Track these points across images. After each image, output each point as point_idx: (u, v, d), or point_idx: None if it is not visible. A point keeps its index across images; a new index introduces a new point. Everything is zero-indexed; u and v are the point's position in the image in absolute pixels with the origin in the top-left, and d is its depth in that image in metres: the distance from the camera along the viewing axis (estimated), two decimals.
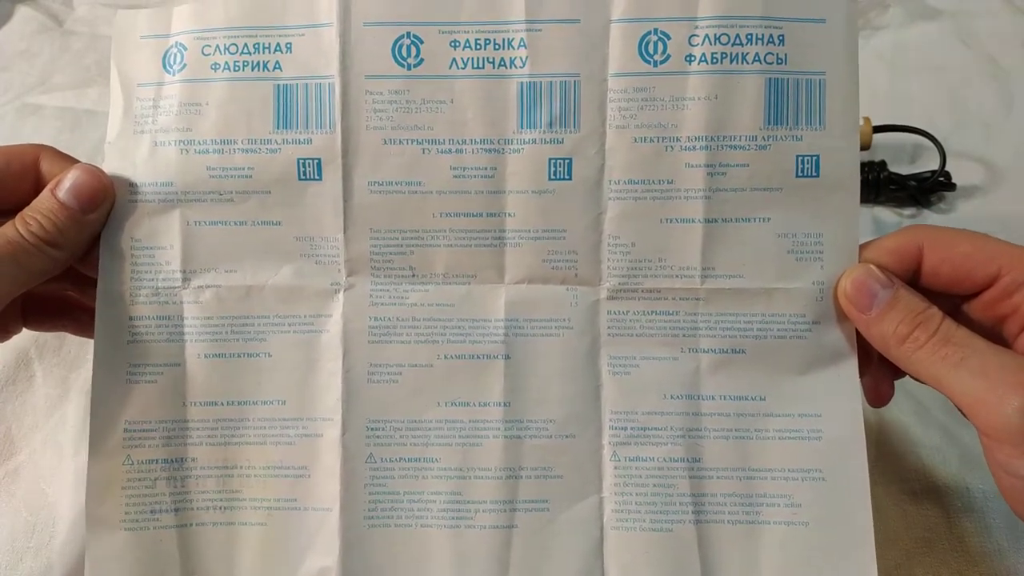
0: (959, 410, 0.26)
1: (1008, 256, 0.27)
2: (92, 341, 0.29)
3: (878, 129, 0.47)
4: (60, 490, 0.36)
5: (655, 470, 0.29)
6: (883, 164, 0.47)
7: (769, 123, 0.29)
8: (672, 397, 0.30)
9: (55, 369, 0.40)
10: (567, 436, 0.30)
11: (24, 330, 0.34)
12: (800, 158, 0.29)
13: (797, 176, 0.29)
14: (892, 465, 0.38)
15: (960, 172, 0.47)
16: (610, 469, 0.30)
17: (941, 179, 0.46)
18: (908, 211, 0.48)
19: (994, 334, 0.28)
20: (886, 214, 0.48)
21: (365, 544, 0.29)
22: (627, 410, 0.30)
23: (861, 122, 0.46)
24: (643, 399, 0.30)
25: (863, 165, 0.47)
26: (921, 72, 0.53)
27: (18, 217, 0.29)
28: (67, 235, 0.29)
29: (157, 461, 0.30)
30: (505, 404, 0.30)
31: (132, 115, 0.31)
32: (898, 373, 0.31)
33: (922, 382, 0.27)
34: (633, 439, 0.30)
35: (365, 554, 0.29)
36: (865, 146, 0.46)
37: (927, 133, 0.47)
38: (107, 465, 0.30)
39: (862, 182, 0.46)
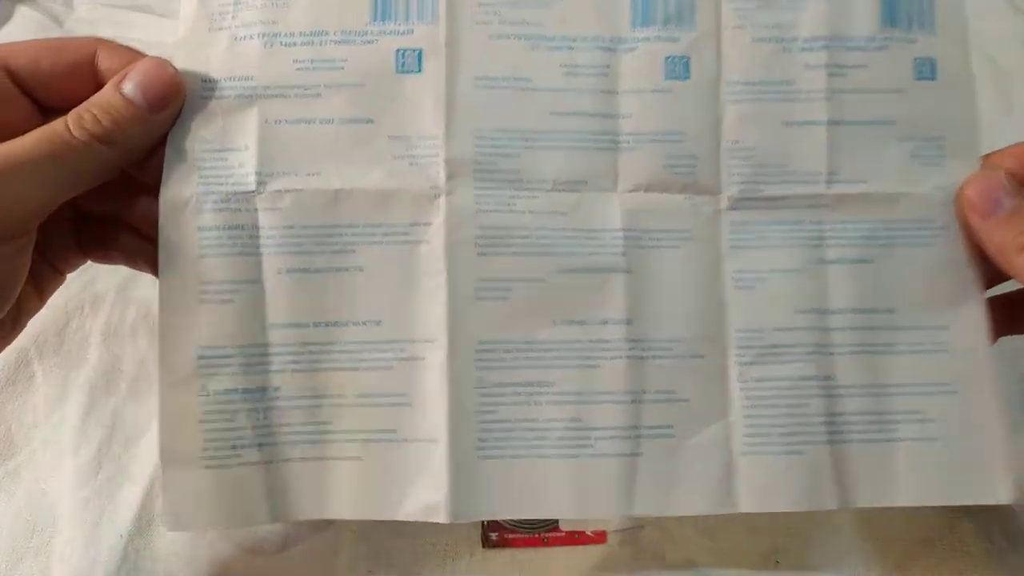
0: None
1: None
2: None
3: None
4: (60, 490, 0.34)
5: (786, 390, 0.27)
6: None
7: (885, 24, 0.28)
8: (801, 312, 0.28)
9: (55, 369, 0.37)
10: (693, 356, 0.27)
11: (63, 284, 0.30)
12: (918, 60, 0.28)
13: (916, 79, 0.28)
14: None
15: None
16: (737, 391, 0.27)
17: None
18: None
19: None
20: None
21: (476, 477, 0.26)
22: (755, 327, 0.28)
23: None
24: (771, 315, 0.28)
25: None
26: None
27: (72, 112, 0.25)
28: (126, 134, 0.25)
29: (237, 391, 0.26)
30: (627, 322, 0.27)
31: (207, 14, 0.27)
32: (1002, 330, 0.30)
33: None
34: (761, 358, 0.27)
35: (476, 488, 0.26)
36: None
37: None
38: (180, 397, 0.26)
39: None
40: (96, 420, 0.35)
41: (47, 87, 0.26)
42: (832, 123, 0.28)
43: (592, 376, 0.27)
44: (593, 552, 0.32)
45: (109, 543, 0.32)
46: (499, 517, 0.26)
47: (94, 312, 0.38)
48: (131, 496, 0.33)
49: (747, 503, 0.27)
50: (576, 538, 0.32)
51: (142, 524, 0.33)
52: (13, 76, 0.25)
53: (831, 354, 0.28)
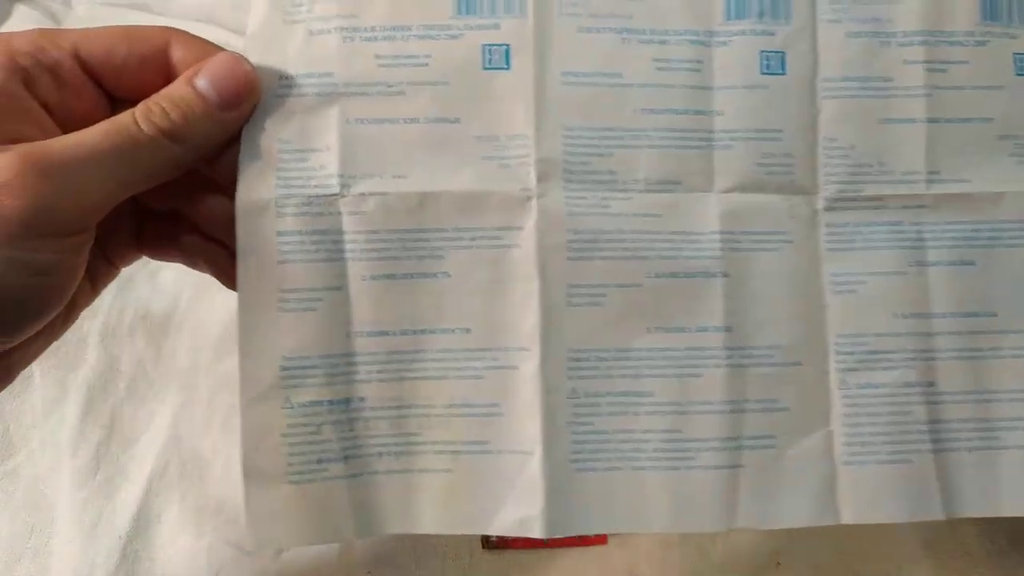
0: None
1: None
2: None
3: None
4: (58, 491, 0.34)
5: (888, 397, 0.26)
6: None
7: (985, 19, 0.27)
8: (902, 316, 0.27)
9: (53, 370, 0.37)
10: (793, 364, 0.26)
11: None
12: (1017, 56, 0.27)
13: (1016, 75, 0.27)
14: None
15: None
16: (838, 398, 0.26)
17: None
18: None
19: None
20: None
21: (572, 490, 0.25)
22: (855, 332, 0.26)
23: None
24: (871, 320, 0.27)
25: None
26: None
27: (140, 104, 0.24)
28: (195, 130, 0.24)
29: (322, 403, 0.25)
30: (726, 329, 0.26)
31: (280, 6, 0.26)
32: None
33: None
34: (862, 364, 0.26)
35: (572, 502, 0.25)
36: None
37: None
38: (263, 410, 0.25)
39: None
40: (94, 421, 0.35)
41: (118, 77, 0.25)
42: (931, 121, 0.27)
43: (691, 386, 0.26)
44: (593, 553, 0.32)
45: (107, 544, 0.32)
46: (596, 532, 0.25)
47: (92, 313, 0.38)
48: (129, 497, 0.33)
49: (850, 514, 0.26)
50: (577, 539, 0.32)
51: (140, 525, 0.33)
52: (84, 64, 0.24)
53: (933, 359, 0.27)
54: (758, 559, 0.31)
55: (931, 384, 0.26)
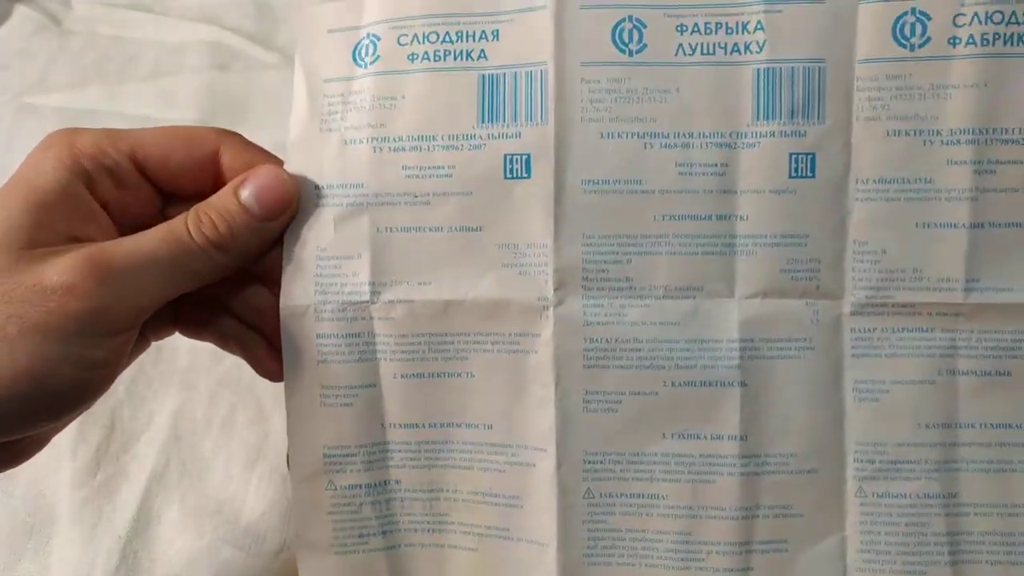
0: None
1: None
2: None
3: None
4: (58, 491, 0.35)
5: (907, 507, 0.26)
6: None
7: None
8: (927, 426, 0.26)
9: None
10: (809, 471, 0.27)
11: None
12: None
13: None
14: None
15: None
16: (854, 506, 0.27)
17: None
18: None
19: None
20: None
21: None
22: (876, 441, 0.26)
23: None
24: (894, 429, 0.26)
25: None
26: None
27: (191, 212, 0.26)
28: (239, 241, 0.26)
29: (360, 486, 0.28)
30: (741, 438, 0.26)
31: (318, 113, 0.28)
32: None
33: None
34: (882, 473, 0.26)
35: None
36: None
37: None
38: (310, 489, 0.28)
39: None
40: (94, 421, 0.35)
41: (172, 179, 0.27)
42: (974, 226, 0.26)
43: (704, 491, 0.27)
44: None
45: (107, 544, 0.32)
46: None
47: None
48: (129, 497, 0.34)
49: None
50: None
51: (140, 525, 0.33)
52: (140, 166, 0.26)
53: (957, 470, 0.26)
54: None
55: (954, 495, 0.26)
